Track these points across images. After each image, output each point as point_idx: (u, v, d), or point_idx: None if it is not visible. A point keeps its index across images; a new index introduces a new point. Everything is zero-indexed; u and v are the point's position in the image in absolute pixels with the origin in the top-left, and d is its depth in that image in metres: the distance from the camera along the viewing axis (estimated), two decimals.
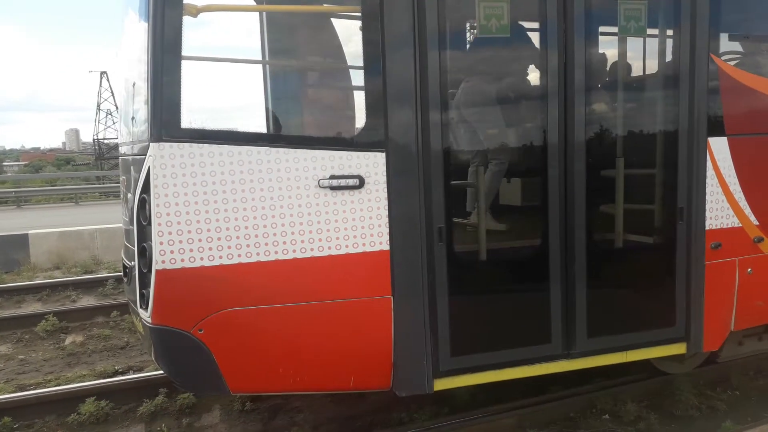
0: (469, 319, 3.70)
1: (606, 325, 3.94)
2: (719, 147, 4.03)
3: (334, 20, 4.06)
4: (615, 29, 3.92)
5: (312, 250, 3.34)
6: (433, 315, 3.56)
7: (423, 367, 3.58)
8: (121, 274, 4.27)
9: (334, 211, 3.36)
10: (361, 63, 3.45)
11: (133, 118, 3.73)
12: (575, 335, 3.84)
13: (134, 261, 3.49)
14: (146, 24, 3.20)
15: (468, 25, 3.94)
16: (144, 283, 3.36)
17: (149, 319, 3.32)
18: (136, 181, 3.34)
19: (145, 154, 3.19)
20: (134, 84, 3.65)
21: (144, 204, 3.27)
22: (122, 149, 4.12)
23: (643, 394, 4.76)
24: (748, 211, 4.19)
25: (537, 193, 3.81)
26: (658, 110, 4.09)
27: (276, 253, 3.29)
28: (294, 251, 3.32)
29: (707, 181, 4.01)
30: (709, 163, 4.01)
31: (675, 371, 4.79)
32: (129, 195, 3.63)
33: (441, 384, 3.66)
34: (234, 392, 3.59)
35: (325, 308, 3.41)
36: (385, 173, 3.41)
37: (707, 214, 4.05)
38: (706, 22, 3.87)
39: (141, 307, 3.41)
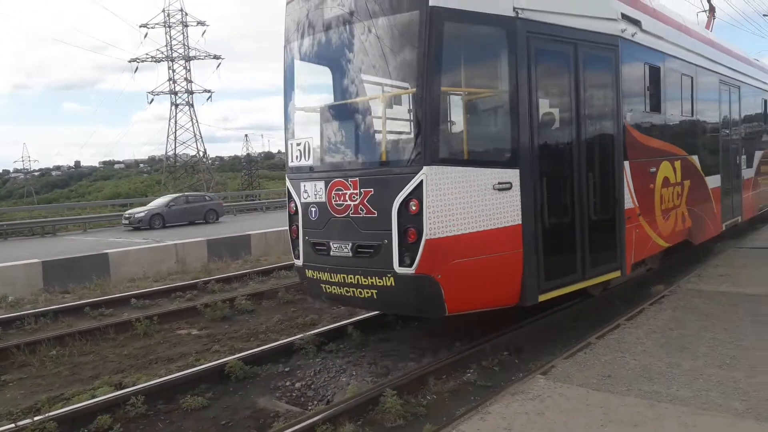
0: (551, 259, 6.27)
1: (596, 262, 6.85)
2: (626, 166, 7.34)
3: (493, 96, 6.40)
4: (602, 104, 7.18)
5: (490, 225, 5.77)
6: (538, 258, 6.11)
7: (535, 289, 6.15)
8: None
9: (498, 203, 5.83)
10: (509, 117, 6.05)
11: (362, 144, 6.38)
12: (585, 267, 6.70)
13: (386, 239, 5.65)
14: (413, 102, 5.80)
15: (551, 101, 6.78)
16: (406, 251, 5.55)
17: (413, 271, 5.52)
18: (398, 189, 5.56)
19: (416, 173, 5.47)
20: (381, 120, 6.00)
21: (408, 202, 5.50)
22: (348, 171, 6.08)
23: (359, 414, 5.05)
24: (636, 199, 7.53)
25: (567, 189, 6.59)
26: (608, 148, 7.17)
27: (476, 227, 5.68)
28: (483, 226, 5.73)
29: (623, 183, 7.22)
30: (623, 174, 7.24)
31: (596, 293, 7.64)
32: (393, 205, 5.59)
33: (541, 297, 6.23)
34: (449, 313, 5.79)
35: (495, 258, 5.86)
36: (519, 180, 5.94)
37: (624, 201, 7.23)
38: (621, 111, 7.23)
39: (402, 265, 5.57)
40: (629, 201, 7.35)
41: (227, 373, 6.18)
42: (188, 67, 64.06)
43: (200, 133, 65.66)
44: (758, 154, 13.59)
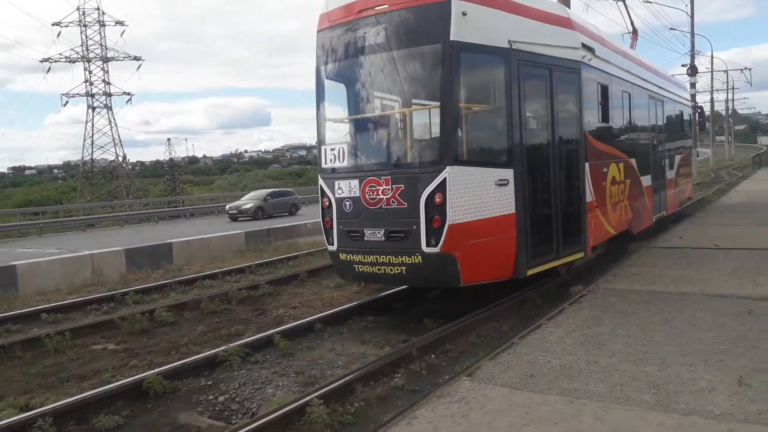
0: (535, 241, 7.70)
1: (566, 244, 8.30)
2: (587, 167, 8.78)
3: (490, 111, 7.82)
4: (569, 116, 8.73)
5: (493, 213, 7.15)
6: (527, 240, 7.51)
7: (525, 265, 7.52)
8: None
9: (498, 196, 7.20)
10: (506, 126, 7.45)
11: (394, 149, 7.68)
12: (560, 248, 8.20)
13: (415, 225, 6.97)
14: (436, 119, 7.21)
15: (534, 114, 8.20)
16: (432, 234, 6.87)
17: (438, 250, 6.86)
18: (426, 184, 6.89)
19: (440, 171, 6.83)
20: (409, 129, 7.46)
21: (434, 195, 6.83)
22: (380, 171, 7.34)
23: (284, 425, 4.91)
24: (593, 194, 8.97)
25: (546, 185, 8.01)
26: (574, 152, 8.65)
27: (483, 214, 7.07)
28: (488, 214, 7.11)
29: (585, 180, 8.65)
30: (585, 173, 8.68)
31: (563, 272, 9.15)
32: (421, 198, 6.92)
33: (529, 272, 7.64)
34: (463, 284, 7.14)
35: (496, 240, 7.23)
36: (513, 177, 7.33)
37: (586, 195, 8.68)
38: (582, 121, 8.75)
39: (429, 246, 6.90)
40: (589, 195, 8.82)
41: (145, 388, 5.89)
42: (106, 68, 61.40)
43: (119, 137, 63.06)
44: (677, 158, 15.70)
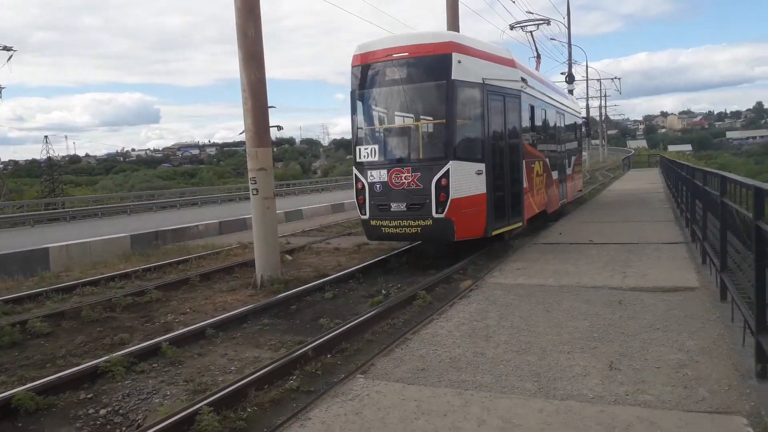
0: (496, 212, 11.06)
1: (513, 216, 11.64)
2: (524, 163, 12.21)
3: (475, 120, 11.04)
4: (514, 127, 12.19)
5: (474, 192, 10.58)
6: (492, 210, 10.91)
7: (491, 228, 10.92)
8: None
9: (477, 181, 10.64)
10: (481, 135, 10.96)
11: (412, 149, 10.77)
12: (509, 218, 11.54)
13: (428, 200, 10.28)
14: (442, 125, 10.63)
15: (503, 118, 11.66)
16: (439, 205, 10.23)
17: (443, 216, 10.23)
18: (436, 172, 10.26)
19: (445, 164, 10.26)
20: (423, 136, 10.80)
21: (441, 180, 10.21)
22: (403, 164, 10.67)
23: None
24: (527, 182, 12.41)
25: (502, 175, 11.40)
26: (517, 152, 12.03)
27: (468, 193, 10.50)
28: (471, 193, 10.54)
29: (523, 173, 12.12)
30: (523, 168, 12.14)
31: (507, 238, 12.09)
32: (432, 181, 10.33)
33: (494, 233, 11.01)
34: (456, 240, 10.53)
35: (475, 210, 10.63)
36: (485, 169, 10.77)
37: (523, 183, 12.09)
38: (522, 134, 12.32)
39: (437, 213, 10.24)
40: (525, 183, 12.21)
41: (15, 407, 5.40)
42: None
43: None
44: (573, 158, 20.37)
